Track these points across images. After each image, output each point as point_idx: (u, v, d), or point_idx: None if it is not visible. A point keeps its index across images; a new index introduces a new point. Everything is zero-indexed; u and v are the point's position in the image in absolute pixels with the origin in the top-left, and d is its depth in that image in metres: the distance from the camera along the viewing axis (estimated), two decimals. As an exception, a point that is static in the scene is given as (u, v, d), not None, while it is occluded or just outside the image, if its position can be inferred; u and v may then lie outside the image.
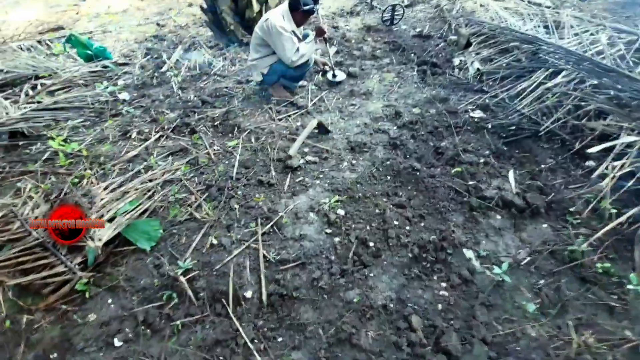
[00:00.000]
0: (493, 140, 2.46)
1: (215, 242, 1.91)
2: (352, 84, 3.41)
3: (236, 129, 2.87)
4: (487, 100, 2.83)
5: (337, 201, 2.10)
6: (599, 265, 1.61)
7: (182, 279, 1.69)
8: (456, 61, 3.57)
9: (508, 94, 2.79)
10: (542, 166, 2.22)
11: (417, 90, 3.18)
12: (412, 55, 3.90)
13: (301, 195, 2.19)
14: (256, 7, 4.16)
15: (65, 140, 2.83)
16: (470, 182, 2.10)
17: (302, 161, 2.43)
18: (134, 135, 2.84)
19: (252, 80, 3.33)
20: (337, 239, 1.89)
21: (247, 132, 2.80)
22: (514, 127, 2.49)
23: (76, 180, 2.36)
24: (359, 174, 2.31)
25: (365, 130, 2.73)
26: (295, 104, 3.11)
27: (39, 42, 5.23)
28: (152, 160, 2.50)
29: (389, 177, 2.29)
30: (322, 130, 2.69)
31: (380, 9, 5.12)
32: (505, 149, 2.38)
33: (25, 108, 3.17)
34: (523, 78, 2.89)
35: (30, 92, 3.47)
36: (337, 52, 4.17)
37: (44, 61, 4.12)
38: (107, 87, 3.64)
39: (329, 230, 1.94)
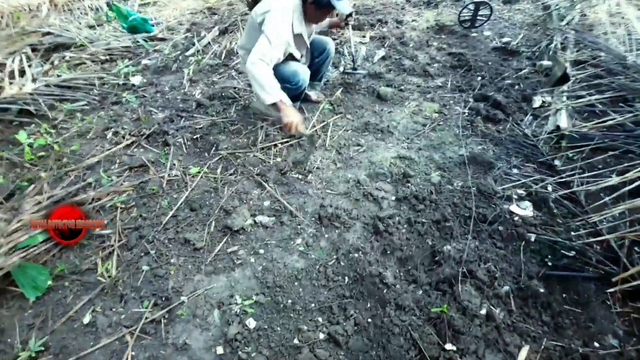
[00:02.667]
0: (529, 265, 1.56)
1: (89, 319, 1.55)
2: (374, 112, 2.62)
3: (214, 148, 2.42)
4: (549, 188, 1.83)
5: (254, 303, 1.54)
6: None
7: (20, 368, 1.38)
8: (536, 102, 2.47)
9: (588, 188, 1.75)
10: (595, 346, 1.30)
11: (455, 141, 2.27)
12: (479, 78, 2.87)
13: (222, 276, 1.67)
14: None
15: (54, 127, 2.74)
16: (449, 347, 1.32)
17: (249, 221, 1.88)
18: (109, 135, 2.59)
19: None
20: (222, 371, 1.37)
21: (218, 158, 2.32)
22: (572, 254, 1.53)
23: (25, 183, 2.21)
24: (308, 264, 1.69)
25: (352, 192, 2.02)
26: (291, 128, 2.50)
27: (107, 4, 5.38)
28: (103, 176, 2.22)
29: (345, 281, 1.61)
30: (309, 141, 2.29)
31: (465, 1, 3.95)
32: (541, 289, 1.46)
33: (40, 82, 3.18)
34: (629, 160, 1.79)
35: (56, 63, 3.49)
36: (383, 58, 3.32)
37: (86, 29, 4.15)
38: (126, 67, 3.48)
39: (220, 351, 1.42)
